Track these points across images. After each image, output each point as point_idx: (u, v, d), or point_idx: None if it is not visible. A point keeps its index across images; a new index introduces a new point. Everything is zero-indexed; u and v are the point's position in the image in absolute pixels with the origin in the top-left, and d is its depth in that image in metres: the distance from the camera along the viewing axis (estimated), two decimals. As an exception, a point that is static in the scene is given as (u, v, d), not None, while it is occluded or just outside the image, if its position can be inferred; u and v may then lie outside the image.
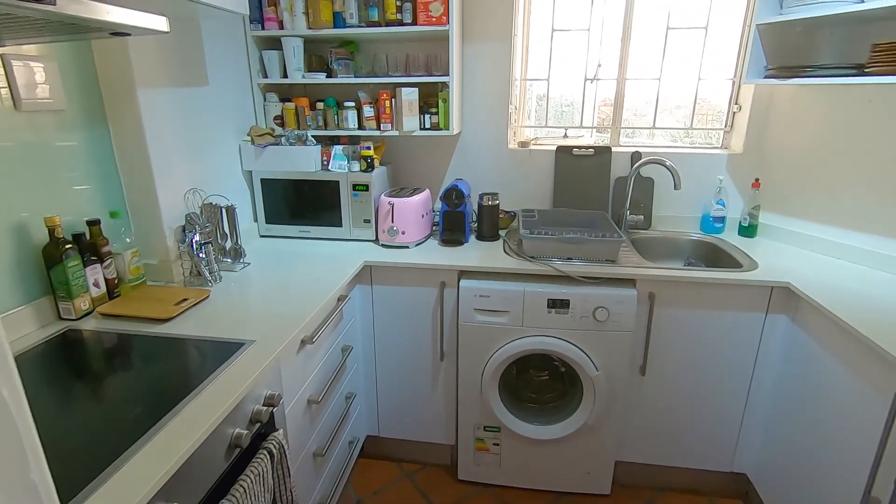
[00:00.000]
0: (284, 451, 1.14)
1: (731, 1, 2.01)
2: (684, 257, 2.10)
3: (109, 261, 1.40)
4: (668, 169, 1.91)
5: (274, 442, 1.11)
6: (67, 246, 1.28)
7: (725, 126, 2.17)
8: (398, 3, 1.84)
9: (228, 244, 1.69)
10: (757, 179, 2.01)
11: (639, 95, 2.21)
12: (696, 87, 2.13)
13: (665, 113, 2.23)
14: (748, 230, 2.05)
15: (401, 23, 1.86)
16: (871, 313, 1.35)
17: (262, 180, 1.99)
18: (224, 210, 1.65)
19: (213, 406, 0.97)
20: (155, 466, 0.81)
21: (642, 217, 2.14)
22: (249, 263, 1.74)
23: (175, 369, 1.09)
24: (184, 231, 1.55)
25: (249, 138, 1.93)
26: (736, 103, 2.11)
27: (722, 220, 2.08)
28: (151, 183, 1.50)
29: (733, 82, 2.11)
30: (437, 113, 1.98)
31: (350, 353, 1.74)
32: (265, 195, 2.01)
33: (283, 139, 1.92)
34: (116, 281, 1.43)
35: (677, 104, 2.25)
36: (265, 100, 2.04)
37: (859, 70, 1.52)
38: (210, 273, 1.54)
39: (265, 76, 2.01)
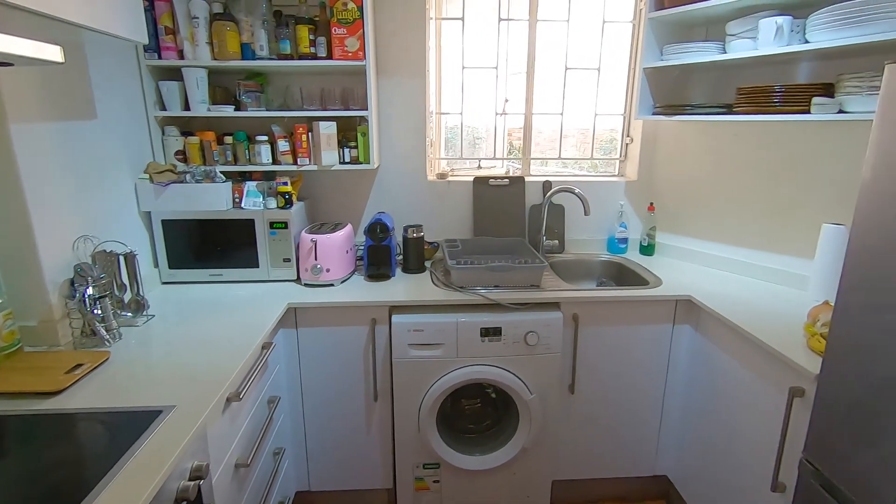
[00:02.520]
0: (217, 530, 1.01)
1: (619, 47, 2.25)
2: (596, 277, 2.26)
3: (-26, 327, 1.17)
4: (577, 196, 2.05)
5: (205, 521, 0.98)
6: (-84, 314, 1.04)
7: (620, 156, 2.40)
8: (311, 38, 1.80)
9: (128, 296, 1.49)
10: (651, 203, 2.24)
11: (546, 127, 2.37)
12: (594, 121, 2.34)
13: (569, 139, 2.42)
14: (647, 249, 2.26)
15: (315, 56, 1.82)
16: (760, 318, 1.54)
17: (163, 221, 1.80)
18: (122, 258, 1.46)
19: (129, 495, 0.83)
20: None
21: (557, 241, 2.27)
22: (153, 316, 1.55)
23: (74, 454, 0.92)
24: (72, 285, 1.34)
25: (147, 176, 1.74)
26: (628, 136, 2.35)
27: (625, 241, 2.28)
28: (29, 230, 1.28)
29: (624, 117, 2.35)
30: (356, 147, 1.95)
31: (277, 405, 1.61)
32: (168, 238, 1.81)
33: (187, 176, 1.76)
34: (-16, 351, 1.19)
35: (581, 135, 2.45)
36: (164, 134, 1.87)
37: (728, 109, 1.77)
38: (108, 331, 1.35)
39: (163, 108, 1.84)
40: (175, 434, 0.97)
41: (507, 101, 2.36)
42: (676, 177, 2.19)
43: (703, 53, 1.78)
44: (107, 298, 1.35)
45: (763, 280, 1.90)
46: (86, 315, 1.32)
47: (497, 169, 2.53)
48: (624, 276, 2.15)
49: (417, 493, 1.88)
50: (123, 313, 1.48)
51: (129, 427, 0.99)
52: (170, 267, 1.84)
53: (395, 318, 1.70)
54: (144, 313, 1.53)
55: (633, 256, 2.24)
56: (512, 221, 2.27)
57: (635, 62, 2.23)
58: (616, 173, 2.44)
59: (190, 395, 1.11)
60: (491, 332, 1.71)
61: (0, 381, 1.13)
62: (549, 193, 2.12)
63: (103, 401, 1.08)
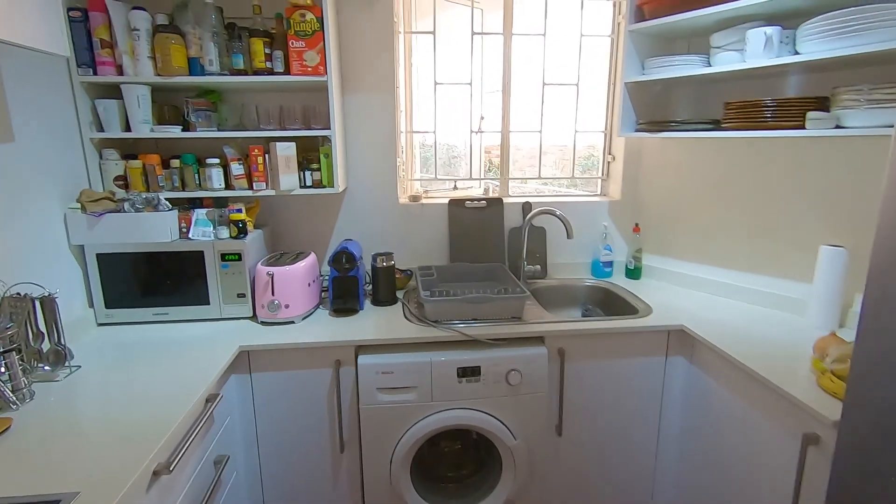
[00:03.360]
0: None
1: (597, 62, 2.15)
2: (582, 304, 2.12)
3: None
4: (559, 218, 1.92)
5: None
6: None
7: (602, 175, 2.29)
8: (267, 52, 1.65)
9: (46, 346, 1.28)
10: (637, 224, 2.12)
11: (524, 143, 2.25)
12: (574, 138, 2.23)
13: (549, 156, 2.30)
14: (634, 272, 2.13)
15: (271, 72, 1.66)
16: (759, 349, 1.41)
17: (98, 256, 1.59)
18: (38, 302, 1.25)
19: None
20: None
21: (539, 266, 2.13)
22: (79, 367, 1.34)
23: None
24: (-29, 338, 1.13)
25: (79, 205, 1.55)
26: (610, 153, 2.24)
27: (610, 264, 2.15)
28: (-84, 276, 1.08)
29: (605, 134, 2.24)
30: (318, 169, 1.78)
31: (226, 464, 1.40)
32: (104, 274, 1.61)
33: (125, 204, 1.57)
34: None
35: (559, 147, 2.34)
36: (101, 157, 1.68)
37: (716, 125, 1.66)
38: (14, 392, 1.14)
39: (100, 129, 1.65)
40: (71, 534, 0.78)
41: (482, 118, 2.23)
42: (662, 195, 2.08)
43: (686, 67, 1.68)
44: (13, 353, 1.14)
45: (757, 305, 1.78)
46: (-14, 374, 1.11)
47: (474, 189, 2.40)
48: (611, 302, 2.01)
49: (391, 553, 1.68)
50: (41, 366, 1.27)
51: (12, 526, 0.79)
52: (107, 307, 1.63)
53: (361, 359, 1.52)
54: (67, 364, 1.32)
55: (619, 280, 2.10)
56: (491, 245, 2.12)
57: (615, 77, 2.13)
58: (598, 192, 2.32)
59: (102, 475, 0.91)
60: (469, 372, 1.54)
61: None
62: (529, 215, 1.98)
63: (-11, 488, 0.88)
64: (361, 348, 1.56)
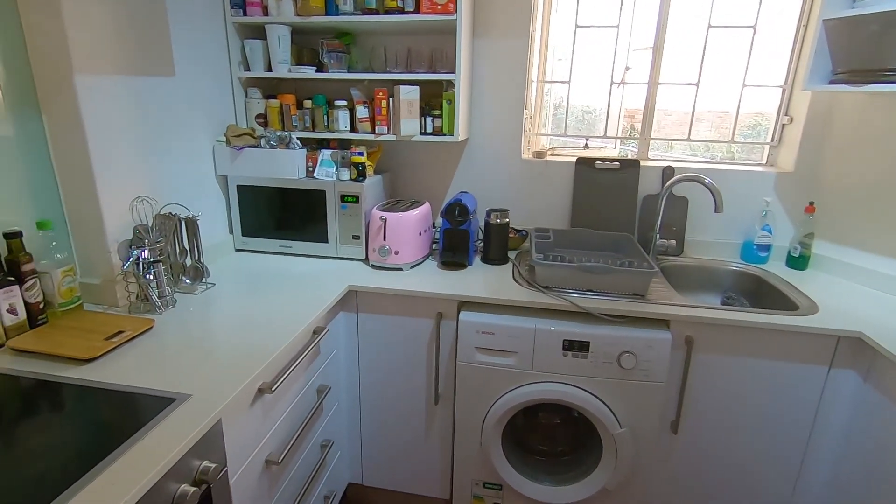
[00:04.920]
0: (217, 546, 0.87)
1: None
2: (722, 290, 1.82)
3: (32, 281, 1.15)
4: (707, 188, 1.62)
5: (203, 535, 0.85)
6: (-28, 264, 1.03)
7: (772, 140, 1.89)
8: (399, -12, 1.59)
9: (189, 262, 1.44)
10: (812, 203, 1.72)
11: (672, 103, 1.94)
12: (741, 94, 1.85)
13: (702, 123, 1.96)
14: (798, 261, 1.75)
15: (402, 10, 1.61)
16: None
17: (238, 187, 1.74)
18: (183, 221, 1.40)
19: (109, 497, 0.70)
20: None
21: (674, 242, 1.86)
22: (214, 284, 1.49)
23: (74, 437, 0.83)
24: (130, 247, 1.29)
25: (225, 139, 1.68)
26: (786, 114, 1.83)
27: (767, 248, 1.79)
28: (92, 187, 1.25)
29: (783, 90, 1.82)
30: (440, 116, 1.72)
31: (328, 394, 1.47)
32: (242, 204, 1.76)
33: (262, 140, 1.67)
34: (42, 305, 1.18)
35: (716, 113, 1.98)
36: (247, 96, 1.80)
37: (959, 75, 1.23)
38: (160, 298, 1.29)
39: (247, 69, 1.76)
40: (179, 430, 0.85)
41: (627, 68, 1.96)
42: (854, 171, 1.65)
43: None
44: (161, 264, 1.29)
45: (981, 322, 1.35)
46: (139, 279, 1.27)
47: (608, 150, 2.15)
48: (761, 293, 1.68)
49: (475, 512, 1.66)
50: (183, 279, 1.43)
51: (136, 413, 0.88)
52: (243, 234, 1.79)
53: (463, 314, 1.47)
54: (204, 281, 1.47)
55: (775, 269, 1.75)
56: (619, 213, 1.89)
57: (808, 14, 1.70)
58: (764, 161, 1.93)
59: (212, 384, 0.98)
60: (576, 347, 1.40)
61: (45, 340, 1.10)
62: (670, 182, 1.71)
63: (125, 377, 1.00)
64: (465, 304, 1.51)
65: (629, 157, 2.02)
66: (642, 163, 1.88)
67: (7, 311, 1.10)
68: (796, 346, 1.35)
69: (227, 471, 0.98)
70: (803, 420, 1.40)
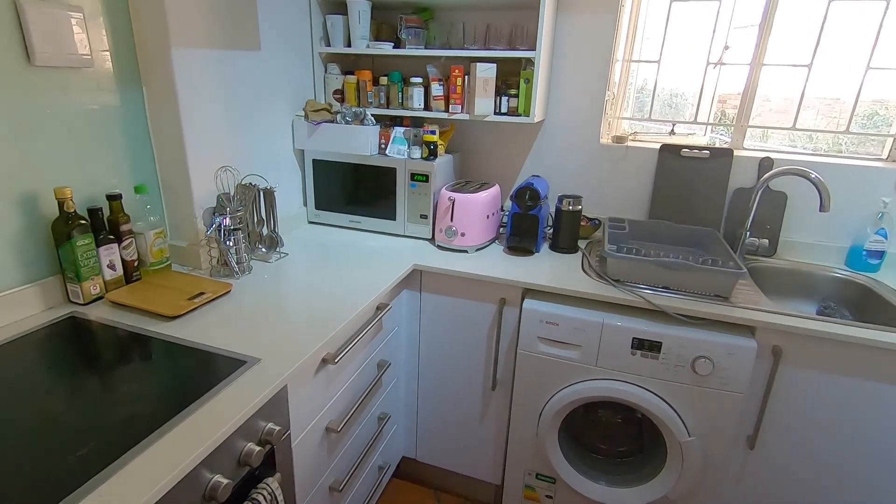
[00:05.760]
0: (278, 504, 0.92)
1: (933, -38, 1.49)
2: (819, 298, 1.64)
3: (129, 241, 1.25)
4: (813, 183, 1.45)
5: (265, 492, 0.89)
6: (80, 222, 1.13)
7: (898, 132, 1.65)
8: (483, -39, 1.53)
9: (265, 231, 1.50)
10: (942, 206, 1.49)
11: (773, 88, 1.74)
12: (863, 78, 1.63)
13: (808, 114, 1.75)
14: (918, 272, 1.54)
15: (484, -16, 1.55)
16: None
17: (314, 161, 1.79)
18: (261, 192, 1.45)
19: (184, 447, 0.75)
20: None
21: (766, 241, 1.69)
22: (287, 255, 1.55)
23: (155, 389, 0.89)
24: (213, 214, 1.37)
25: (304, 113, 1.73)
26: (919, 102, 1.58)
27: (880, 254, 1.58)
28: (183, 155, 1.33)
29: (918, 74, 1.58)
30: (516, 95, 1.65)
31: (388, 370, 1.50)
32: (316, 178, 1.81)
33: (338, 116, 1.70)
34: (136, 263, 1.28)
35: (825, 100, 1.76)
36: (326, 71, 1.83)
37: None
38: (238, 264, 1.36)
39: (328, 44, 1.79)
40: (247, 392, 0.89)
41: (727, 48, 1.78)
42: None
43: None
44: (240, 232, 1.36)
45: None
46: (220, 245, 1.34)
47: (697, 137, 1.99)
48: (867, 305, 1.50)
49: (526, 502, 1.64)
50: (259, 247, 1.50)
51: (210, 372, 0.94)
52: (316, 208, 1.85)
53: (527, 302, 1.43)
54: (278, 251, 1.53)
55: (888, 279, 1.55)
56: (705, 206, 1.75)
57: (963, -14, 1.45)
58: (884, 156, 1.70)
59: (280, 351, 1.02)
60: (646, 346, 1.32)
61: (138, 296, 1.19)
62: (768, 174, 1.55)
63: (203, 336, 1.06)
64: (529, 292, 1.46)
65: (720, 145, 1.85)
66: (736, 152, 1.72)
67: (107, 266, 1.21)
68: (908, 369, 1.19)
69: (289, 434, 1.03)
70: (908, 452, 1.24)
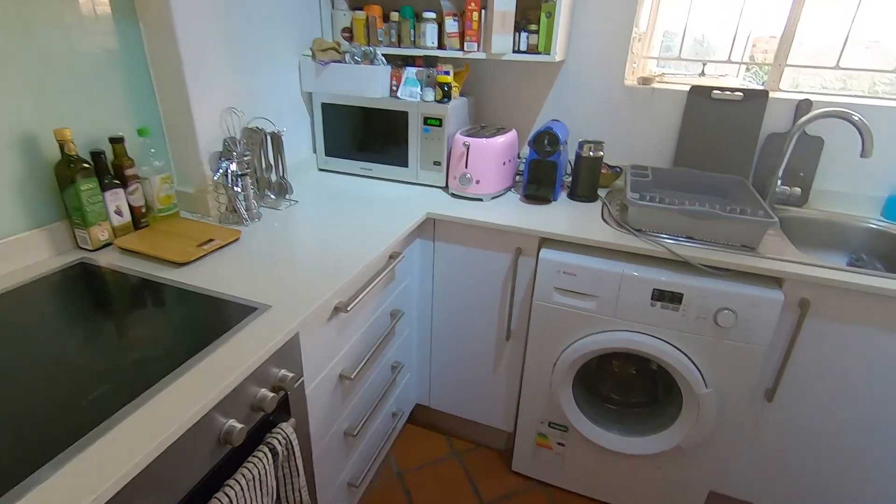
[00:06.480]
0: (293, 448, 0.92)
1: None
2: (850, 250, 1.57)
3: (135, 186, 1.22)
4: (856, 126, 1.35)
5: (279, 436, 0.89)
6: (83, 165, 1.09)
7: (953, 70, 1.51)
8: None
9: (274, 177, 1.45)
10: None
11: (808, 40, 1.59)
12: (920, 9, 1.48)
13: (847, 59, 1.61)
14: (960, 223, 1.45)
15: None
16: None
17: (323, 105, 1.71)
18: (269, 136, 1.40)
19: (197, 392, 0.74)
20: (109, 469, 0.60)
21: (798, 190, 1.60)
22: (297, 202, 1.51)
23: (167, 335, 0.88)
24: (220, 158, 1.32)
25: (311, 52, 1.63)
26: (982, 36, 1.44)
27: (920, 205, 1.50)
28: (185, 96, 1.27)
29: (984, 4, 1.43)
30: (536, 31, 1.54)
31: (400, 319, 1.49)
32: (326, 124, 1.73)
33: (347, 55, 1.61)
34: (144, 210, 1.26)
35: (867, 52, 1.61)
36: (333, 7, 1.72)
37: None
38: (247, 210, 1.33)
39: (334, -23, 1.67)
40: (259, 339, 0.87)
41: (769, -24, 1.63)
42: None
43: None
44: (248, 177, 1.31)
45: None
46: (228, 191, 1.30)
47: (729, 79, 1.86)
48: (903, 257, 1.43)
49: (538, 448, 1.67)
50: (268, 194, 1.46)
51: (221, 319, 0.92)
52: (326, 154, 1.79)
53: (544, 252, 1.38)
54: (287, 197, 1.49)
55: (927, 230, 1.47)
56: (733, 153, 1.65)
57: None
58: (934, 98, 1.57)
59: (292, 298, 1.00)
60: (667, 297, 1.28)
61: (147, 242, 1.17)
62: (806, 117, 1.44)
63: (212, 283, 1.04)
64: (546, 241, 1.42)
65: (756, 87, 1.72)
66: (771, 94, 1.60)
67: (114, 212, 1.18)
68: (944, 323, 1.14)
69: (303, 381, 1.02)
70: (934, 406, 1.21)
